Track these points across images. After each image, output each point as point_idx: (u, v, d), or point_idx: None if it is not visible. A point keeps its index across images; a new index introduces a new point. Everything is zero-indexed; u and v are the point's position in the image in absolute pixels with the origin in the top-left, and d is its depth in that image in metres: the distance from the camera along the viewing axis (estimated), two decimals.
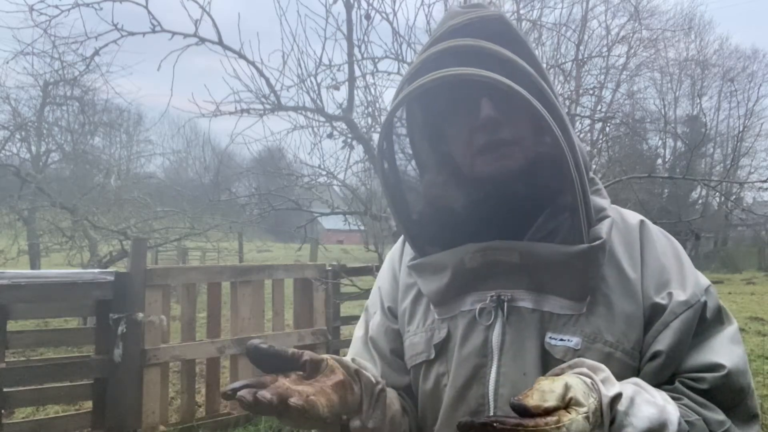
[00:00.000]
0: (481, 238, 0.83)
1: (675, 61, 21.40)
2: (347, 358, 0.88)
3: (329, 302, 4.66)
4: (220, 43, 3.72)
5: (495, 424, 0.60)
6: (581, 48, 5.77)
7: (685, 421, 0.71)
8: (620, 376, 0.74)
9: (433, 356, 0.88)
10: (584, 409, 0.63)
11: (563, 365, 0.74)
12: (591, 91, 5.89)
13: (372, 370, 0.92)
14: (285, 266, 4.64)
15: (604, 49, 6.48)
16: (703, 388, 0.76)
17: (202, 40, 3.66)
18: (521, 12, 4.28)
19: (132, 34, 3.65)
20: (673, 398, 0.75)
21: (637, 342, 0.80)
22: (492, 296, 0.83)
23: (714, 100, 25.26)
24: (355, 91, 4.10)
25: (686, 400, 0.76)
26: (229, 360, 4.20)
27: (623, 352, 0.79)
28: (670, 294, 0.81)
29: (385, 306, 1.01)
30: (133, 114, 14.34)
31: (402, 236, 1.01)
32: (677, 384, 0.78)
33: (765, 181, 3.56)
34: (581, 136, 4.90)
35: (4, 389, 3.17)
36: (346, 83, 4.03)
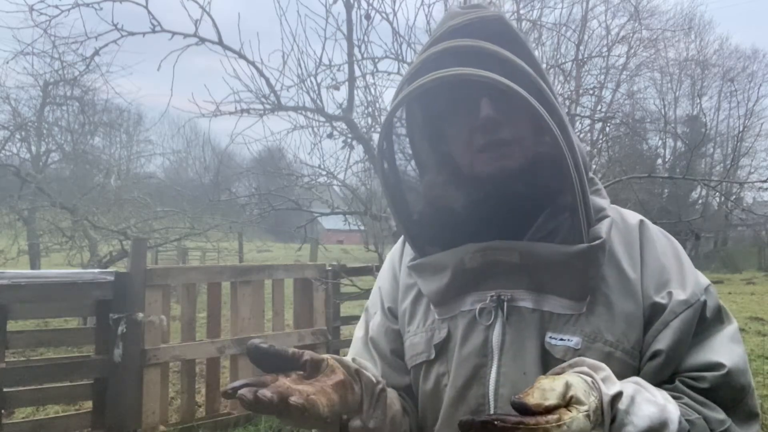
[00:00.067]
0: (481, 238, 0.83)
1: (675, 61, 21.43)
2: (348, 358, 0.88)
3: (329, 302, 4.66)
4: (220, 43, 3.72)
5: (496, 423, 0.60)
6: (581, 48, 5.77)
7: (686, 420, 0.71)
8: (620, 376, 0.74)
9: (433, 356, 0.88)
10: (585, 408, 0.63)
11: (564, 364, 0.74)
12: (591, 91, 5.89)
13: (372, 370, 0.92)
14: (285, 266, 4.64)
15: (604, 49, 6.49)
16: (704, 387, 0.76)
17: (202, 40, 3.66)
18: (521, 12, 4.29)
19: (132, 34, 3.65)
20: (674, 397, 0.75)
21: (637, 341, 0.80)
22: (492, 296, 0.84)
23: (714, 100, 25.30)
24: (355, 91, 4.10)
25: (686, 399, 0.76)
26: (229, 360, 4.20)
27: (623, 351, 0.79)
28: (669, 293, 0.81)
29: (386, 306, 1.01)
30: (133, 114, 14.35)
31: (402, 236, 1.01)
32: (677, 383, 0.78)
33: (765, 181, 3.56)
34: (581, 136, 4.90)
35: (4, 389, 3.17)
36: (346, 83, 4.03)
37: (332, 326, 4.68)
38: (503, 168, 0.82)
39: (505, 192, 0.82)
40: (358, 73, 4.09)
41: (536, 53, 0.88)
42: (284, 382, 0.69)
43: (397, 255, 1.04)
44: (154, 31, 3.61)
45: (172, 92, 3.98)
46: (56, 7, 3.76)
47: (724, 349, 0.79)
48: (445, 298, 0.88)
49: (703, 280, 0.85)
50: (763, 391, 5.04)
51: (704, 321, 0.81)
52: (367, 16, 3.87)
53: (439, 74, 0.76)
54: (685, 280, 0.83)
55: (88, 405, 3.60)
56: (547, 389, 0.64)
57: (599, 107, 6.30)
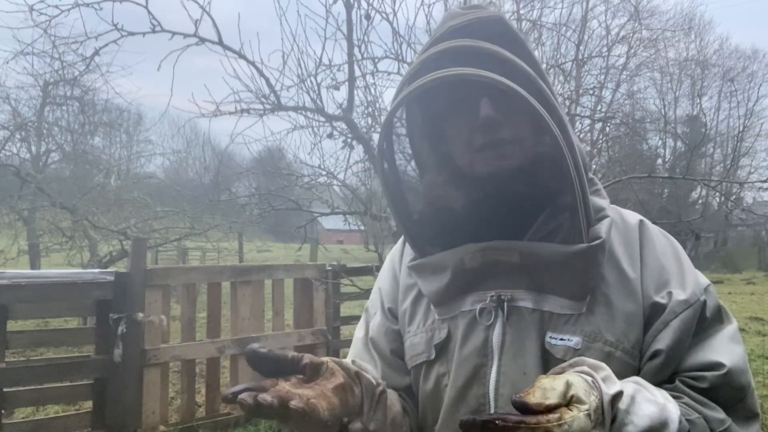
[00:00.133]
0: (481, 238, 0.83)
1: (675, 61, 21.42)
2: (347, 360, 0.88)
3: (329, 302, 4.66)
4: (220, 43, 3.72)
5: (497, 422, 0.60)
6: (581, 48, 5.77)
7: (686, 420, 0.71)
8: (620, 376, 0.74)
9: (433, 356, 0.88)
10: (586, 407, 0.63)
11: (564, 364, 0.74)
12: (591, 91, 5.89)
13: (372, 371, 0.92)
14: (285, 266, 4.64)
15: (604, 49, 6.48)
16: (704, 386, 0.76)
17: (202, 40, 3.66)
18: (521, 12, 4.29)
19: (132, 34, 3.66)
20: (674, 397, 0.75)
21: (637, 341, 0.80)
22: (492, 296, 0.84)
23: (714, 100, 25.29)
24: (355, 91, 4.10)
25: (686, 399, 0.76)
26: (229, 360, 4.20)
27: (623, 351, 0.79)
28: (669, 293, 0.81)
29: (386, 307, 1.01)
30: (133, 114, 14.35)
31: (402, 236, 1.01)
32: (677, 383, 0.78)
33: (765, 181, 3.56)
34: (581, 136, 4.90)
35: (4, 389, 3.18)
36: (346, 83, 4.03)
37: (332, 326, 4.68)
38: (503, 167, 0.82)
39: (505, 192, 0.82)
40: (358, 73, 4.09)
41: (536, 53, 0.88)
42: (284, 386, 0.69)
43: (398, 255, 1.04)
44: (154, 31, 3.61)
45: (172, 92, 3.98)
46: (56, 7, 3.77)
47: (724, 349, 0.79)
48: (445, 298, 0.88)
49: (703, 279, 0.85)
50: (763, 391, 5.04)
51: (704, 321, 0.81)
52: (367, 16, 3.87)
53: (439, 74, 0.76)
54: (685, 280, 0.83)
55: (88, 405, 3.60)
56: (548, 388, 0.64)
57: (599, 107, 6.30)
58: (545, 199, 0.84)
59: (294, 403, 0.65)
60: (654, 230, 0.90)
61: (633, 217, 0.91)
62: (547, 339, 0.81)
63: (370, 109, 4.33)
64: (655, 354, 0.79)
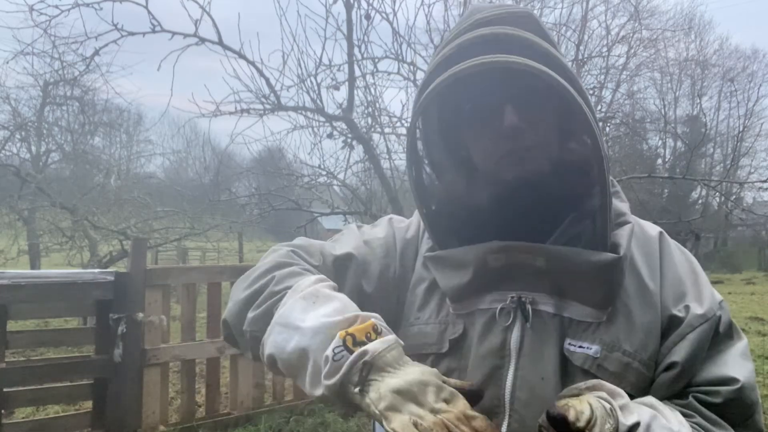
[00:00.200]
0: (502, 237, 0.83)
1: (675, 61, 21.39)
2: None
3: None
4: (220, 43, 3.72)
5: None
6: (581, 48, 5.77)
7: None
8: (636, 386, 0.74)
9: (445, 350, 0.87)
10: None
11: (581, 385, 0.73)
12: (591, 91, 5.88)
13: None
14: None
15: (604, 49, 6.47)
16: (717, 401, 0.77)
17: (202, 40, 3.66)
18: None
19: (132, 34, 3.66)
20: (686, 415, 0.75)
21: (654, 353, 0.80)
22: (513, 297, 0.82)
23: (714, 100, 25.31)
24: (355, 91, 4.11)
25: (698, 419, 0.76)
26: (229, 360, 4.19)
27: (640, 362, 0.79)
28: (687, 307, 0.81)
29: (398, 252, 0.96)
30: (133, 114, 14.36)
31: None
32: (690, 399, 0.78)
33: (765, 181, 3.56)
34: None
35: (4, 389, 3.17)
36: (346, 83, 4.03)
37: None
38: (527, 173, 0.81)
39: (529, 196, 0.81)
40: (358, 73, 4.09)
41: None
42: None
43: (421, 232, 0.99)
44: (154, 31, 3.62)
45: (172, 92, 3.99)
46: (56, 7, 3.77)
47: (737, 365, 0.79)
48: (464, 295, 0.86)
49: (717, 295, 0.85)
50: (764, 391, 5.04)
51: (717, 336, 0.81)
52: (367, 16, 3.87)
53: (487, 59, 0.73)
54: (702, 295, 0.83)
55: (88, 405, 3.59)
56: (579, 410, 0.65)
57: (599, 107, 6.30)
58: (570, 203, 0.83)
59: None
60: (673, 244, 0.90)
61: (653, 228, 0.91)
62: (566, 345, 0.80)
63: (370, 109, 4.34)
64: (671, 366, 0.78)
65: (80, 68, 4.79)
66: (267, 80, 3.90)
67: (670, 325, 0.80)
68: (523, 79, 0.76)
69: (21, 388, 3.30)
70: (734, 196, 13.30)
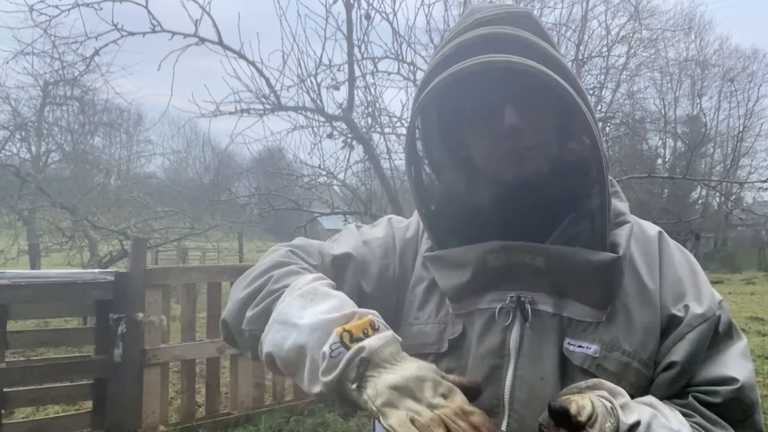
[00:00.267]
0: (502, 236, 0.83)
1: (675, 61, 21.39)
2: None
3: None
4: (220, 43, 3.72)
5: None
6: (581, 48, 5.77)
7: None
8: (636, 386, 0.74)
9: (444, 350, 0.87)
10: None
11: (581, 384, 0.73)
12: (591, 91, 5.88)
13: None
14: None
15: (604, 49, 6.47)
16: (717, 401, 0.77)
17: (202, 40, 3.66)
18: None
19: (132, 34, 3.66)
20: (686, 415, 0.75)
21: (653, 352, 0.80)
22: (512, 297, 0.83)
23: (714, 100, 25.32)
24: (355, 91, 4.11)
25: (698, 418, 0.76)
26: (229, 360, 4.19)
27: (640, 362, 0.79)
28: (686, 306, 0.81)
29: (397, 252, 0.96)
30: (133, 114, 14.37)
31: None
32: (690, 399, 0.78)
33: (765, 181, 3.56)
34: None
35: (4, 389, 3.17)
36: (346, 83, 4.03)
37: None
38: (526, 173, 0.81)
39: (528, 196, 0.82)
40: (358, 73, 4.10)
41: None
42: None
43: (420, 231, 0.99)
44: (154, 31, 3.62)
45: (172, 92, 3.99)
46: (56, 7, 3.77)
47: (737, 365, 0.79)
48: (463, 295, 0.86)
49: (717, 295, 0.85)
50: (764, 391, 5.04)
51: (717, 336, 0.81)
52: (367, 16, 3.87)
53: (485, 59, 0.73)
54: (702, 295, 0.83)
55: (88, 405, 3.59)
56: (580, 405, 0.65)
57: (599, 107, 6.30)
58: (570, 203, 0.83)
59: None
60: (672, 243, 0.90)
61: (652, 228, 0.91)
62: (566, 345, 0.80)
63: (370, 109, 4.34)
64: (670, 366, 0.78)
65: (80, 68, 4.80)
66: (267, 80, 3.90)
67: (670, 324, 0.80)
68: (523, 78, 0.76)
69: (21, 388, 3.30)
70: (734, 196, 13.30)
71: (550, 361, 0.79)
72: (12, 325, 3.41)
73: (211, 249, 13.73)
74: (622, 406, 0.69)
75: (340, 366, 0.67)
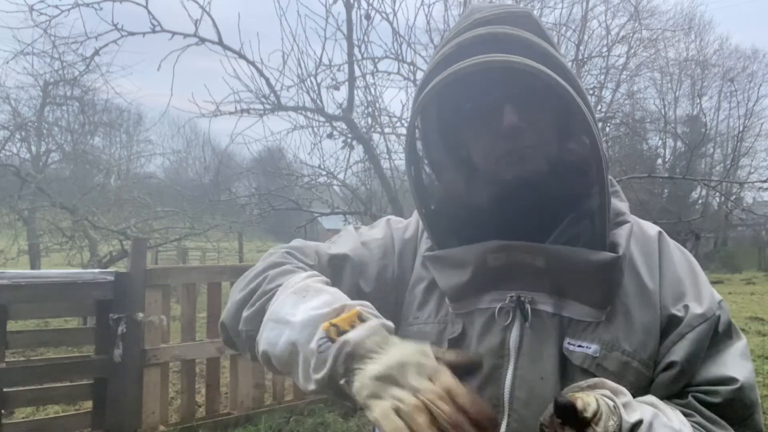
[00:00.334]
0: (501, 236, 0.83)
1: (675, 61, 21.38)
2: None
3: None
4: (220, 43, 3.72)
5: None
6: (581, 48, 5.77)
7: None
8: (635, 386, 0.74)
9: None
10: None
11: (583, 383, 0.73)
12: (591, 91, 5.88)
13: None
14: None
15: (604, 49, 6.47)
16: (716, 401, 0.77)
17: (202, 40, 3.66)
18: None
19: (132, 34, 3.66)
20: (686, 414, 0.75)
21: (653, 352, 0.80)
22: (512, 297, 0.82)
23: (714, 100, 25.31)
24: (355, 91, 4.11)
25: (698, 418, 0.76)
26: (229, 360, 4.19)
27: (640, 362, 0.79)
28: (686, 306, 0.81)
29: (396, 252, 0.96)
30: (133, 114, 14.37)
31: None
32: (690, 399, 0.78)
33: (765, 181, 3.56)
34: None
35: (4, 389, 3.17)
36: (346, 83, 4.03)
37: None
38: (526, 173, 0.81)
39: (528, 196, 0.81)
40: (358, 73, 4.10)
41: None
42: None
43: (420, 231, 0.99)
44: (154, 31, 3.62)
45: (172, 92, 3.99)
46: (56, 7, 3.77)
47: (737, 365, 0.79)
48: (463, 294, 0.86)
49: (717, 295, 0.85)
50: (764, 391, 5.05)
51: (716, 335, 0.81)
52: (367, 16, 3.87)
53: (485, 58, 0.73)
54: (701, 294, 0.83)
55: (88, 405, 3.59)
56: (586, 401, 0.65)
57: (599, 107, 6.30)
58: (569, 203, 0.83)
59: None
60: (671, 243, 0.90)
61: (652, 228, 0.91)
62: (566, 345, 0.80)
63: (370, 109, 4.34)
64: (670, 365, 0.78)
65: (80, 68, 4.80)
66: (267, 80, 3.90)
67: (670, 324, 0.80)
68: (523, 78, 0.76)
69: (21, 388, 3.30)
70: (734, 196, 13.30)
71: (550, 360, 0.79)
72: (12, 325, 3.41)
73: (211, 249, 13.74)
74: (625, 405, 0.69)
75: (329, 362, 0.66)
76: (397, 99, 17.00)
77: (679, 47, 21.90)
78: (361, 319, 0.70)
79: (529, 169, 0.81)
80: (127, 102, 13.63)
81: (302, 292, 0.77)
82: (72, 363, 3.70)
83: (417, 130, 0.91)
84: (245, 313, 0.83)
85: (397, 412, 0.60)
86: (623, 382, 0.75)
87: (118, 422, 3.49)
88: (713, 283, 0.88)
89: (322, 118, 4.23)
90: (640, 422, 0.67)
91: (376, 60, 4.10)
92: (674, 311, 0.81)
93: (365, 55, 4.02)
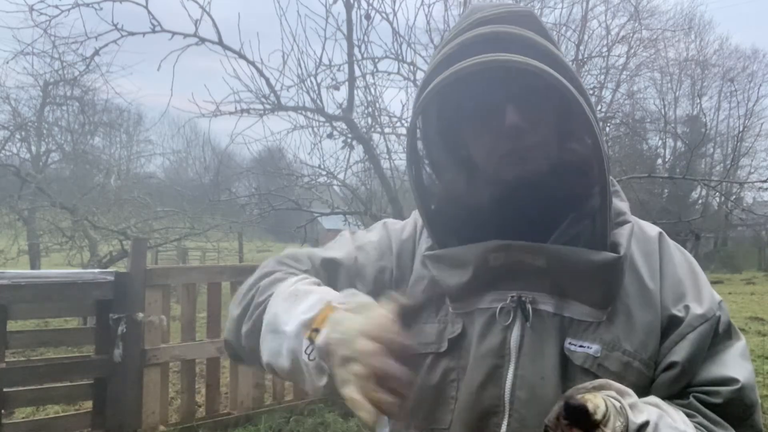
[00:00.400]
0: (502, 236, 0.82)
1: (675, 61, 21.36)
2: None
3: None
4: (220, 43, 3.72)
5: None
6: (581, 48, 5.77)
7: None
8: (637, 386, 0.74)
9: (443, 349, 0.86)
10: None
11: (588, 385, 0.73)
12: (591, 91, 5.88)
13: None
14: None
15: (604, 49, 6.47)
16: (717, 402, 0.77)
17: (202, 40, 3.66)
18: None
19: (132, 34, 3.66)
20: (688, 415, 0.75)
21: (654, 352, 0.80)
22: (513, 296, 0.82)
23: (714, 100, 25.29)
24: (355, 91, 4.11)
25: (700, 418, 0.76)
26: (229, 360, 4.20)
27: (641, 362, 0.79)
28: (686, 307, 0.81)
29: (394, 252, 0.95)
30: (133, 114, 14.38)
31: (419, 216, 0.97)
32: (691, 399, 0.78)
33: (765, 181, 3.56)
34: None
35: (4, 389, 3.17)
36: (346, 83, 4.03)
37: None
38: (527, 173, 0.81)
39: (529, 196, 0.81)
40: (358, 73, 4.10)
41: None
42: None
43: (419, 231, 0.99)
44: (154, 31, 3.62)
45: (172, 92, 3.99)
46: (56, 7, 3.77)
47: (737, 365, 0.79)
48: (464, 294, 0.86)
49: (717, 295, 0.85)
50: (764, 391, 5.05)
51: (716, 336, 0.81)
52: (367, 16, 3.87)
53: (488, 57, 0.73)
54: (702, 295, 0.83)
55: (88, 405, 3.59)
56: (595, 403, 0.65)
57: (599, 107, 6.29)
58: (570, 203, 0.83)
59: None
60: (672, 244, 0.90)
61: (652, 229, 0.91)
62: (567, 345, 0.80)
63: (370, 109, 4.34)
64: (671, 366, 0.78)
65: (80, 68, 4.80)
66: (267, 80, 3.90)
67: (670, 324, 0.80)
68: (525, 78, 0.76)
69: (21, 388, 3.30)
70: (734, 196, 13.30)
71: (551, 360, 0.79)
72: (12, 325, 3.41)
73: (211, 249, 13.73)
74: (631, 406, 0.69)
75: (326, 368, 0.67)
76: (397, 99, 17.00)
77: (679, 47, 21.90)
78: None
79: (530, 169, 0.81)
80: (127, 102, 13.62)
81: (292, 297, 0.77)
82: (72, 363, 3.70)
83: (418, 130, 0.91)
84: (244, 329, 0.83)
85: (362, 390, 0.61)
86: (624, 383, 0.75)
87: (118, 422, 3.49)
88: (713, 283, 0.88)
89: (322, 118, 4.23)
90: (646, 423, 0.67)
91: (376, 60, 4.10)
92: (675, 311, 0.81)
93: (365, 55, 4.02)
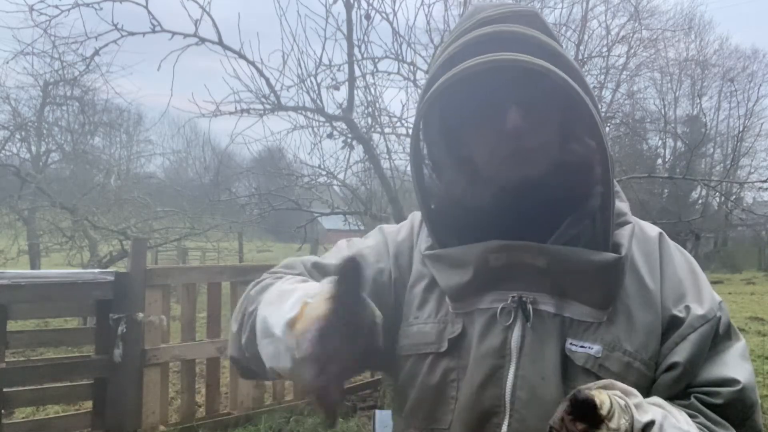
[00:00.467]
0: (502, 236, 0.82)
1: (675, 61, 21.34)
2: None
3: None
4: (220, 43, 3.72)
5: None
6: (581, 48, 5.76)
7: None
8: (638, 386, 0.74)
9: (443, 349, 0.86)
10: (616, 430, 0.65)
11: (592, 385, 0.73)
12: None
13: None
14: None
15: (604, 49, 6.46)
16: (718, 402, 0.77)
17: (202, 40, 3.66)
18: None
19: (132, 34, 3.66)
20: (690, 416, 0.75)
21: (654, 353, 0.80)
22: (513, 297, 0.82)
23: (714, 100, 25.28)
24: (355, 91, 4.11)
25: (702, 419, 0.76)
26: (229, 360, 4.20)
27: (641, 362, 0.79)
28: (687, 307, 0.81)
29: (390, 255, 0.95)
30: (133, 114, 14.38)
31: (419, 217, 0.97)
32: (692, 400, 0.78)
33: (765, 181, 3.56)
34: None
35: (4, 389, 3.17)
36: (346, 83, 4.03)
37: None
38: (528, 175, 0.81)
39: (530, 197, 0.81)
40: (358, 73, 4.09)
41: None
42: None
43: (416, 231, 0.99)
44: (154, 31, 3.61)
45: (172, 92, 3.99)
46: (56, 7, 3.77)
47: (738, 366, 0.79)
48: (464, 294, 0.86)
49: (717, 296, 0.85)
50: (764, 391, 5.05)
51: (717, 337, 0.81)
52: (367, 16, 3.87)
53: (494, 57, 0.72)
54: (702, 296, 0.83)
55: (88, 405, 3.60)
56: (600, 399, 0.65)
57: (599, 107, 6.27)
58: (572, 204, 0.83)
59: None
60: (672, 245, 0.90)
61: (652, 229, 0.91)
62: (568, 345, 0.80)
63: (370, 109, 4.34)
64: (672, 366, 0.79)
65: (80, 68, 4.80)
66: (267, 80, 3.90)
67: (671, 325, 0.80)
68: (530, 78, 0.75)
69: (21, 388, 3.30)
70: (734, 196, 13.29)
71: (552, 361, 0.79)
72: (12, 325, 3.41)
73: (211, 249, 13.73)
74: (636, 406, 0.69)
75: None
76: (397, 99, 17.00)
77: (679, 47, 21.87)
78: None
79: (531, 170, 0.81)
80: (127, 102, 13.60)
81: (277, 299, 0.76)
82: (72, 363, 3.70)
83: (420, 132, 0.91)
84: (243, 340, 0.83)
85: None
86: (625, 383, 0.75)
87: (118, 422, 3.50)
88: (713, 283, 0.88)
89: (322, 118, 4.23)
90: (652, 423, 0.68)
91: (376, 60, 4.10)
92: (675, 312, 0.81)
93: (365, 55, 4.02)
